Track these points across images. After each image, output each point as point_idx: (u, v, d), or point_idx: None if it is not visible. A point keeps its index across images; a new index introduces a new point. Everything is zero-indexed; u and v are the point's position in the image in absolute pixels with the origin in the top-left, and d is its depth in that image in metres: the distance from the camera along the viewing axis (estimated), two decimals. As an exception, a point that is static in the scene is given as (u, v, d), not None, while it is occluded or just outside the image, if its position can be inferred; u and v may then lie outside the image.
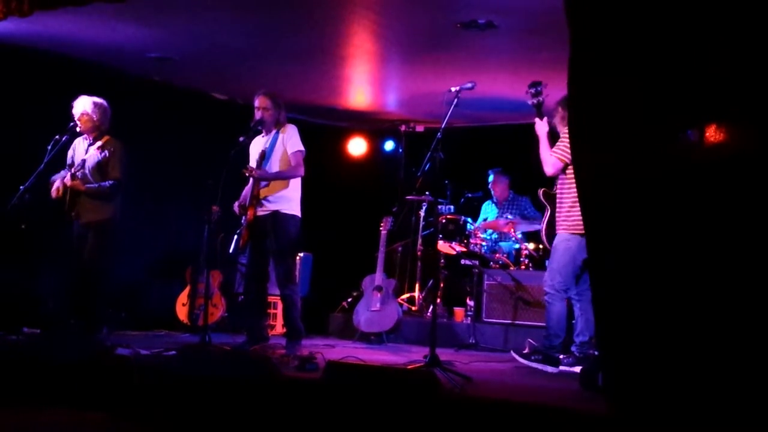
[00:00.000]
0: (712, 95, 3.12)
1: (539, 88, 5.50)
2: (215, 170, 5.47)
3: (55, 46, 7.13)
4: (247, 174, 5.72)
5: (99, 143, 6.13)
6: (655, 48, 3.24)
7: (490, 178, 8.33)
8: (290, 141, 5.77)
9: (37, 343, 5.35)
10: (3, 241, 6.31)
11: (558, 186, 5.46)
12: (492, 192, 8.38)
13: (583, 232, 5.10)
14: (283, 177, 5.75)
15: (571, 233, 5.29)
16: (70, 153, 6.25)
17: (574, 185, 5.18)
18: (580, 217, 5.13)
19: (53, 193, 6.07)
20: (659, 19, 3.23)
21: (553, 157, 5.33)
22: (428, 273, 8.03)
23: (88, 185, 6.03)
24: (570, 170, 5.25)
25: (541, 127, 5.49)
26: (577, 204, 5.15)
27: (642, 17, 3.28)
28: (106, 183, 6.05)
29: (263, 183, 5.75)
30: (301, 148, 5.78)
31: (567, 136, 5.27)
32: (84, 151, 6.16)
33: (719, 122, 3.10)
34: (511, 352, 5.62)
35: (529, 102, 5.54)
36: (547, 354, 5.33)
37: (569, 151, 5.19)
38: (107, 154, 6.07)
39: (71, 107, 6.12)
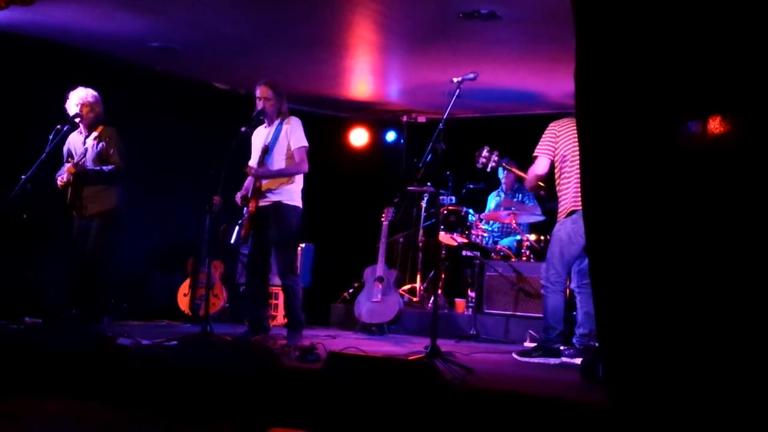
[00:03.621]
0: (716, 87, 3.11)
1: (484, 152, 5.76)
2: (217, 160, 5.48)
3: (56, 36, 7.12)
4: (247, 173, 5.74)
5: (95, 134, 6.15)
6: (660, 37, 3.23)
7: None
8: (294, 135, 5.76)
9: (38, 332, 5.35)
10: (4, 230, 6.32)
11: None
12: (502, 180, 8.36)
13: (567, 213, 5.29)
14: (287, 174, 5.76)
15: (560, 220, 5.37)
16: (65, 147, 6.25)
17: (565, 175, 5.33)
18: (566, 202, 5.27)
19: (59, 184, 6.10)
20: (664, 8, 3.22)
21: (535, 161, 5.44)
22: (429, 264, 8.04)
23: (91, 167, 6.06)
24: (563, 162, 5.35)
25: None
26: (565, 192, 5.33)
27: (647, 7, 3.27)
28: (107, 167, 6.07)
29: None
30: (306, 143, 5.77)
31: (547, 127, 5.44)
32: (82, 143, 6.18)
33: (722, 114, 3.10)
34: (513, 354, 5.62)
35: (488, 170, 5.80)
36: (546, 347, 5.34)
37: (545, 142, 5.41)
38: (104, 144, 6.10)
39: (66, 100, 6.13)
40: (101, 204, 6.12)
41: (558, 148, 5.37)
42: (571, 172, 5.27)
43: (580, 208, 5.17)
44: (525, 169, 5.63)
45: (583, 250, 5.28)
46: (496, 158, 5.73)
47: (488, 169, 5.74)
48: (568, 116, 5.43)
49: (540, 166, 5.44)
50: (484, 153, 5.74)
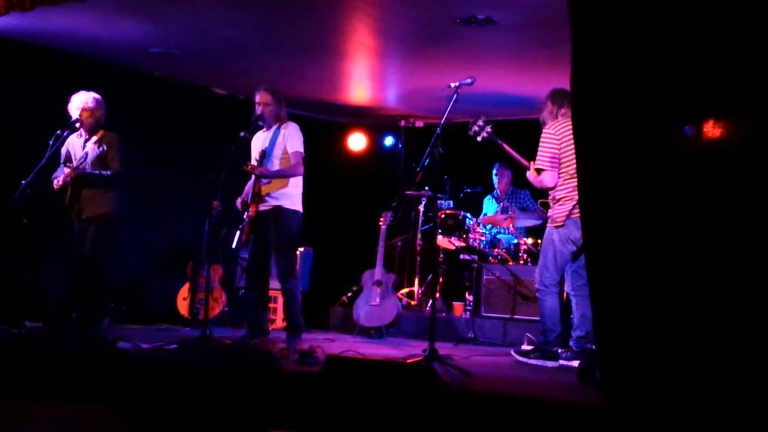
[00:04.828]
0: (710, 90, 3.14)
1: (479, 121, 5.56)
2: (216, 165, 5.50)
3: (56, 41, 7.15)
4: (247, 170, 5.76)
5: (95, 138, 6.15)
6: (655, 43, 3.26)
7: (495, 171, 8.33)
8: (291, 140, 5.81)
9: (38, 336, 5.37)
10: (5, 235, 6.33)
11: None
12: (496, 185, 8.38)
13: (562, 223, 5.24)
14: (284, 174, 5.80)
15: (553, 227, 5.35)
16: (63, 150, 6.23)
17: (561, 185, 5.30)
18: (561, 210, 5.26)
19: (55, 186, 6.10)
20: (660, 14, 3.25)
21: (542, 173, 5.35)
22: (427, 268, 8.06)
23: (90, 171, 6.07)
24: (560, 173, 5.33)
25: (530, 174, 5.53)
26: (560, 199, 5.30)
27: (643, 13, 3.30)
28: (107, 172, 6.08)
29: (264, 180, 5.78)
30: (301, 149, 5.81)
31: (545, 135, 5.36)
32: (81, 147, 6.17)
33: (717, 117, 3.12)
34: (512, 351, 5.64)
35: (479, 139, 5.57)
36: (544, 350, 5.36)
37: (545, 153, 5.31)
38: (105, 148, 6.10)
39: (68, 103, 6.14)
40: (98, 207, 6.12)
41: (561, 156, 5.29)
42: (568, 182, 5.25)
43: (573, 216, 5.20)
44: (521, 162, 5.58)
45: (572, 255, 5.29)
46: (489, 130, 5.56)
47: (479, 139, 5.58)
48: (555, 118, 5.42)
49: (550, 180, 5.34)
50: (479, 122, 5.57)
